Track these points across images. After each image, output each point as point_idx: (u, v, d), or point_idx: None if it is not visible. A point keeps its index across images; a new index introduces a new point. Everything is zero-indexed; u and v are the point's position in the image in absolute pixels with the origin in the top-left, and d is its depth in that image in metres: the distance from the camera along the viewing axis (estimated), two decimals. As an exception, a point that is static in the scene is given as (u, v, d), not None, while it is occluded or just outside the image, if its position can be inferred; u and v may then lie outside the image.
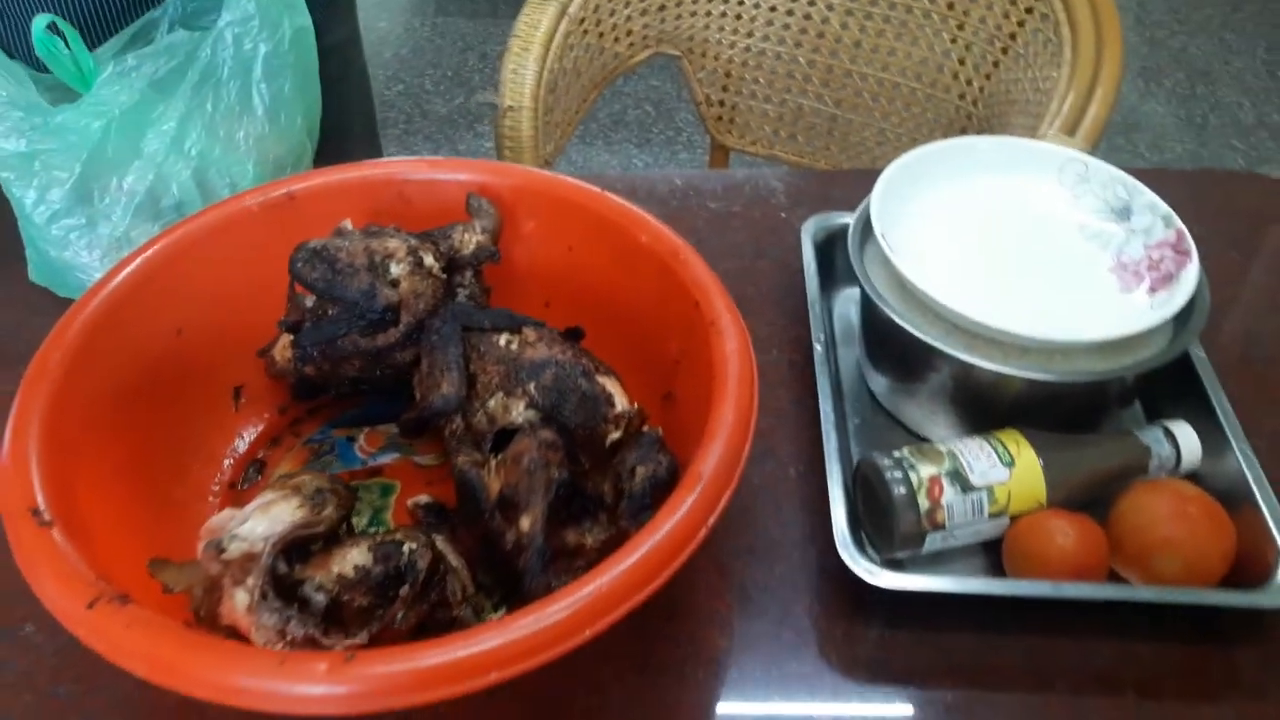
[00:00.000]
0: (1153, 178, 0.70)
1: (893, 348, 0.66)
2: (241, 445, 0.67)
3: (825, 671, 0.55)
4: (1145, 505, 0.57)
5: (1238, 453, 0.60)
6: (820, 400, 0.64)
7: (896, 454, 0.58)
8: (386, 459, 0.66)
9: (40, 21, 0.67)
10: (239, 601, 0.46)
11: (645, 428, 0.58)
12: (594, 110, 2.37)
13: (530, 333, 0.60)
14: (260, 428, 0.68)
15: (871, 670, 0.55)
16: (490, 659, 0.43)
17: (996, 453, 0.58)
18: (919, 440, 0.67)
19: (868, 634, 0.57)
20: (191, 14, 0.77)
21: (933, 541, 0.57)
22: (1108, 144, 2.26)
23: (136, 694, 0.54)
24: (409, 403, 0.65)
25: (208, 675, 0.43)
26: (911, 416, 0.68)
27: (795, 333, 0.74)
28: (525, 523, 0.51)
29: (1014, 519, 0.58)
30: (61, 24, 0.68)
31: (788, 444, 0.67)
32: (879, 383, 0.70)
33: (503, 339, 0.60)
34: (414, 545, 0.53)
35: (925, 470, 0.57)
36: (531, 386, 0.57)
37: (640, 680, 0.55)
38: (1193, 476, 0.61)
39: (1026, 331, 0.59)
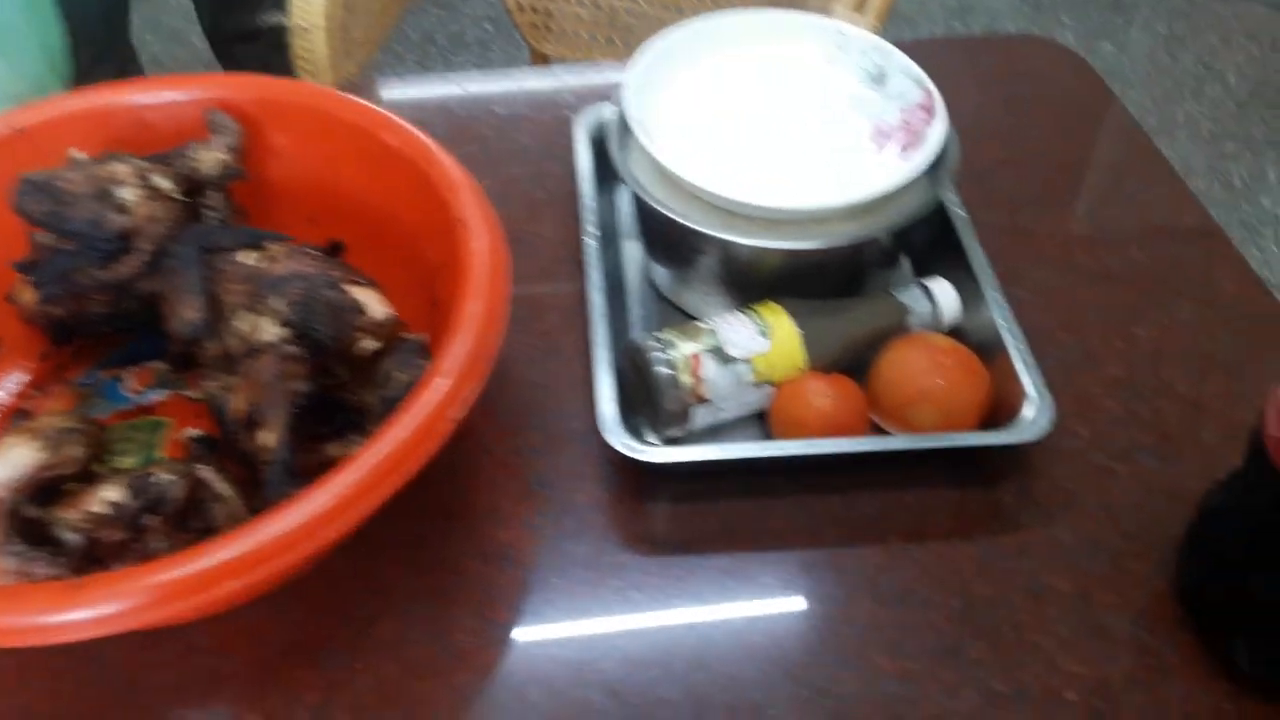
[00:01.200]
0: (927, 48, 0.71)
1: (662, 236, 0.66)
2: (4, 395, 0.64)
3: (606, 550, 0.56)
4: (901, 360, 0.59)
5: (989, 301, 0.62)
6: (589, 291, 0.63)
7: (659, 335, 0.59)
8: (156, 396, 0.64)
9: None
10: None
11: (407, 335, 0.57)
12: (431, 32, 2.29)
13: (275, 248, 0.58)
14: (28, 377, 0.65)
15: (651, 544, 0.56)
16: (226, 569, 0.42)
17: (756, 325, 0.59)
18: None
19: (648, 511, 0.58)
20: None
21: (701, 416, 0.58)
22: (944, 29, 2.29)
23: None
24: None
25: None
26: (690, 303, 0.68)
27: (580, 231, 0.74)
28: (267, 437, 0.49)
29: (777, 387, 0.59)
30: None
31: (573, 340, 0.67)
32: (659, 274, 0.70)
33: (246, 257, 0.57)
34: (168, 476, 0.51)
35: (686, 348, 0.57)
36: (278, 302, 0.55)
37: (420, 579, 0.55)
38: (957, 332, 0.63)
39: (778, 203, 0.59)
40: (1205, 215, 0.76)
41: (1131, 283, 0.71)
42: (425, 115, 0.85)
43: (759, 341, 0.58)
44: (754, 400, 0.59)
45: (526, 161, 0.81)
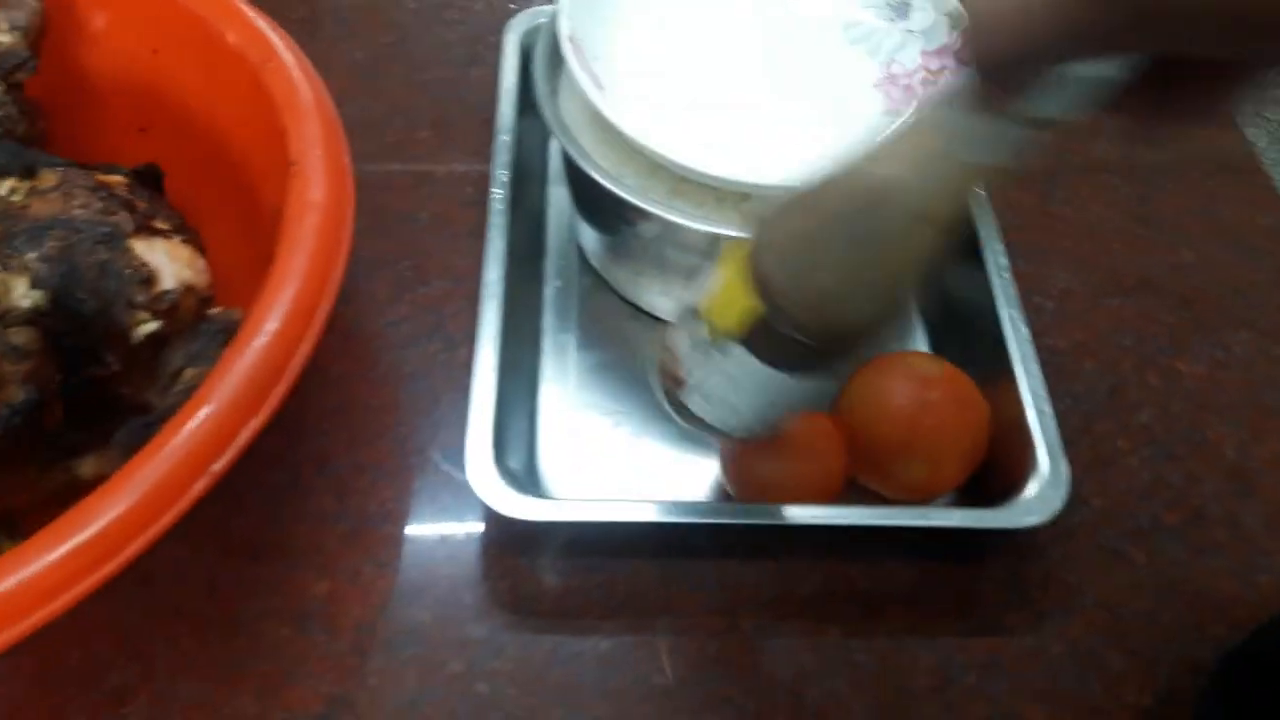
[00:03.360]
0: None
1: (590, 195, 0.51)
2: None
3: (454, 618, 0.43)
4: (881, 394, 0.45)
5: (1004, 319, 0.48)
6: (487, 263, 0.49)
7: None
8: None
9: None
10: None
11: (212, 312, 0.43)
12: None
13: (49, 176, 0.43)
14: None
15: (517, 613, 0.43)
16: None
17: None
18: (629, 309, 0.53)
19: (520, 567, 0.45)
20: None
21: (696, 405, 0.38)
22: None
23: None
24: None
25: None
26: (619, 278, 0.53)
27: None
28: (-43, 465, 0.36)
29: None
30: None
31: (466, 317, 0.52)
32: (587, 236, 0.55)
33: (4, 188, 0.42)
34: None
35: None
36: (32, 257, 0.40)
37: (196, 642, 0.42)
38: (959, 342, 0.49)
39: (742, 176, 0.44)
40: (1272, 191, 0.61)
41: (1181, 298, 0.56)
42: (332, -8, 0.68)
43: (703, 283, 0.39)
44: (733, 370, 0.37)
45: (448, 64, 0.65)
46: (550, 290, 0.54)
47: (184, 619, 0.42)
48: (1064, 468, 0.43)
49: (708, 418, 0.37)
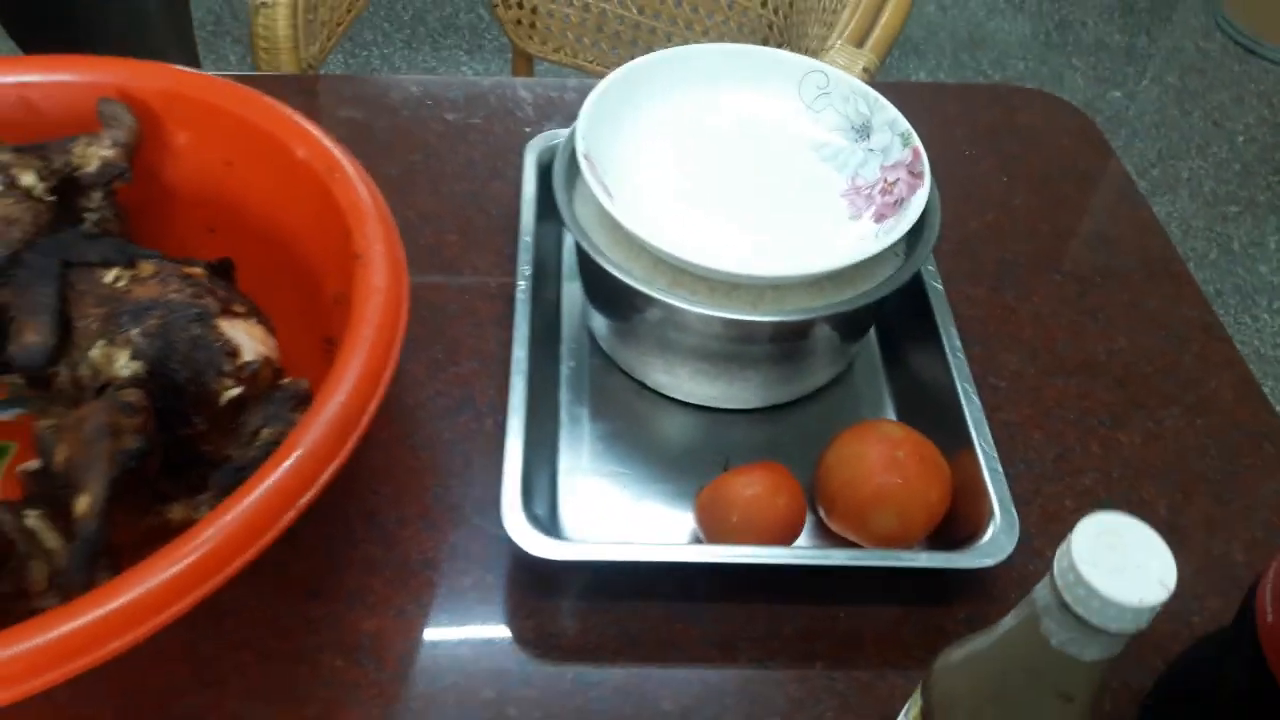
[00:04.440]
0: (919, 92, 0.64)
1: (602, 286, 0.59)
2: None
3: (486, 652, 0.49)
4: (855, 456, 0.52)
5: (960, 392, 0.55)
6: (514, 345, 0.56)
7: None
8: (5, 415, 0.56)
9: None
10: None
11: (283, 382, 0.50)
12: (423, 13, 2.21)
13: (147, 267, 0.50)
14: None
15: (540, 648, 0.49)
16: (-21, 683, 0.34)
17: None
18: (635, 385, 0.60)
19: (543, 609, 0.51)
20: None
21: None
22: (953, 61, 2.22)
23: None
24: (38, 349, 0.55)
25: None
26: (626, 360, 0.61)
27: (514, 270, 0.66)
28: (80, 504, 0.42)
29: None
30: None
31: (491, 392, 0.59)
32: (598, 322, 0.62)
33: (111, 275, 0.50)
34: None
35: None
36: (135, 333, 0.47)
37: (262, 670, 0.47)
38: (920, 417, 0.56)
39: (731, 267, 0.52)
40: (1206, 307, 0.69)
41: (1117, 379, 0.64)
42: (369, 115, 0.77)
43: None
44: None
45: (472, 179, 0.73)
46: (565, 370, 0.61)
47: (251, 649, 0.48)
48: (1015, 517, 0.50)
49: None
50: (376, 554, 0.52)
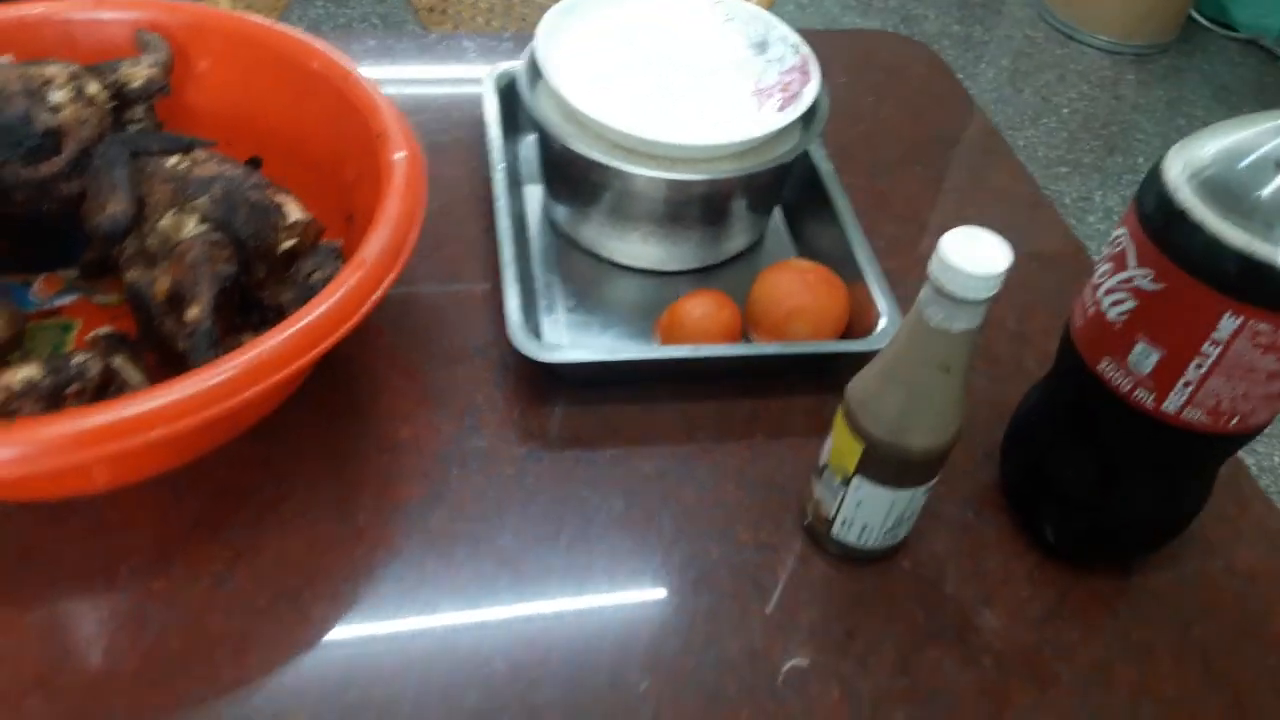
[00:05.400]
0: (812, 36, 0.80)
1: (563, 171, 0.72)
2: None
3: (502, 444, 0.61)
4: (774, 283, 0.67)
5: (851, 239, 0.70)
6: (498, 217, 0.69)
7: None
8: (65, 300, 0.66)
9: None
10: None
11: (324, 240, 0.62)
12: (322, 21, 2.30)
13: (200, 153, 0.61)
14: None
15: (545, 440, 0.62)
16: (154, 417, 0.45)
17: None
18: (594, 258, 0.74)
19: (541, 413, 0.64)
20: None
21: (840, 531, 0.57)
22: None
23: None
24: (87, 245, 0.65)
25: None
26: (586, 236, 0.74)
27: (485, 174, 0.79)
28: (192, 311, 0.53)
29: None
30: None
31: (475, 267, 0.72)
32: (559, 212, 0.76)
33: (171, 160, 0.61)
34: (83, 357, 0.54)
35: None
36: (202, 201, 0.58)
37: (323, 466, 0.59)
38: (822, 261, 0.71)
39: (675, 140, 0.66)
40: (1034, 185, 0.87)
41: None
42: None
43: (827, 440, 0.56)
44: (860, 497, 0.55)
45: (434, 110, 0.86)
46: (535, 248, 0.74)
47: (313, 454, 0.59)
48: (899, 314, 0.65)
49: (849, 539, 0.56)
50: (400, 383, 0.64)
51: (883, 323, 0.65)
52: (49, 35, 0.67)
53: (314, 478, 0.58)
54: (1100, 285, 0.52)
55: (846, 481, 0.54)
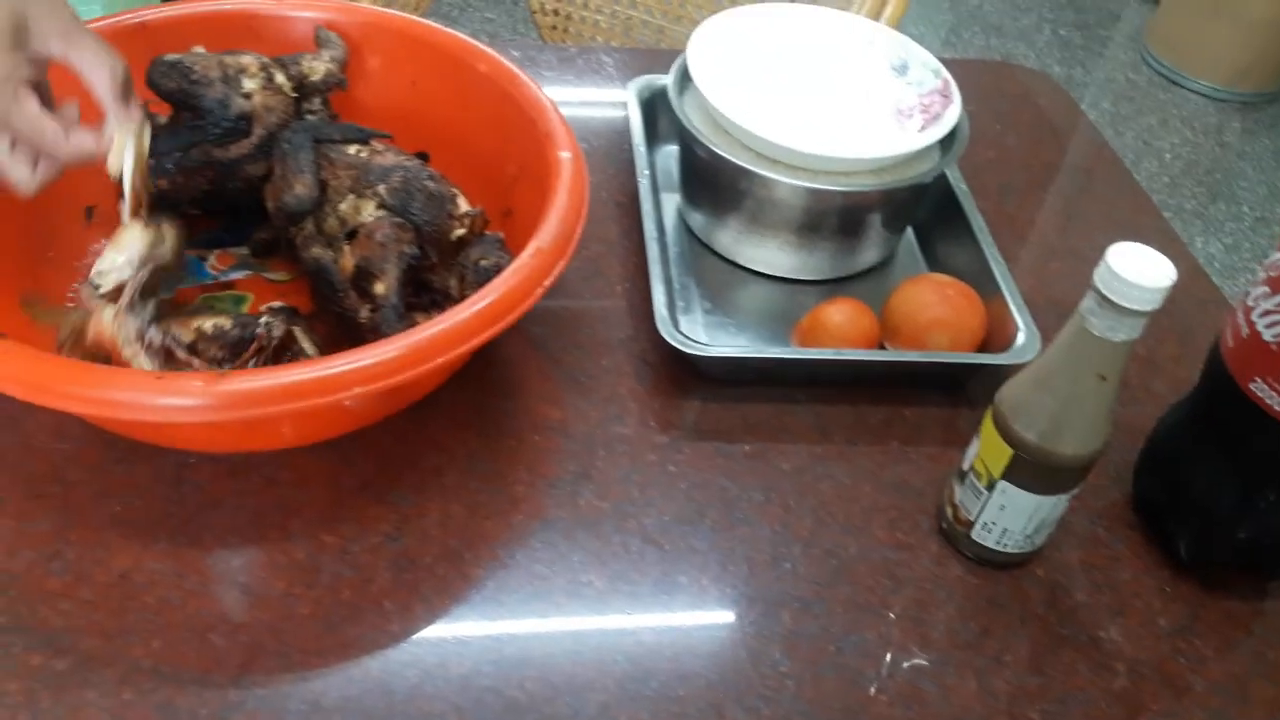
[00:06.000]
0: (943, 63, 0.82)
1: (707, 180, 0.75)
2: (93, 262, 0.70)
3: (645, 432, 0.64)
4: (913, 295, 0.68)
5: (988, 257, 0.72)
6: (644, 220, 0.72)
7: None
8: (237, 275, 0.70)
9: None
10: (106, 315, 0.51)
11: (488, 231, 0.65)
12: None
13: (378, 143, 0.66)
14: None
15: (685, 431, 0.65)
16: (351, 377, 0.49)
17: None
18: (728, 264, 0.77)
19: (680, 405, 0.66)
20: None
21: (982, 535, 0.58)
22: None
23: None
24: (259, 224, 0.69)
25: (88, 392, 0.47)
26: (722, 242, 0.77)
27: (621, 181, 0.82)
28: (380, 287, 0.57)
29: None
30: None
31: (616, 267, 0.75)
32: (696, 219, 0.79)
33: (353, 149, 0.65)
34: (271, 319, 0.58)
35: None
36: (381, 188, 0.62)
37: (481, 441, 0.62)
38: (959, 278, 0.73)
39: (818, 151, 0.69)
40: (1159, 216, 0.88)
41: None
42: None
43: (972, 445, 0.58)
44: (1004, 502, 0.55)
45: (574, 119, 0.89)
46: (672, 253, 0.77)
47: (469, 429, 0.62)
48: (1037, 331, 0.67)
49: (988, 543, 0.57)
50: (548, 369, 0.67)
51: (1021, 337, 0.66)
52: (236, 28, 0.72)
53: (472, 450, 0.61)
54: (1255, 308, 0.53)
55: (991, 486, 0.56)
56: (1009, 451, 0.54)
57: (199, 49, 0.68)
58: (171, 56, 0.64)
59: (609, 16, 1.42)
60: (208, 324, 0.56)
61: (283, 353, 0.59)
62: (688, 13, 1.39)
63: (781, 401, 0.67)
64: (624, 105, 0.84)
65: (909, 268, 0.79)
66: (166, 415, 0.47)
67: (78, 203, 0.69)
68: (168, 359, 0.54)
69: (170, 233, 0.60)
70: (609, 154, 0.85)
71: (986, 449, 0.56)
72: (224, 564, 0.55)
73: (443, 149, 0.73)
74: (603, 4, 1.42)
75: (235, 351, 0.57)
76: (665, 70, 0.79)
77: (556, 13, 1.43)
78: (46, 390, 0.46)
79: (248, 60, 0.66)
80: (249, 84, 0.65)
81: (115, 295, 0.53)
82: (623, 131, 0.85)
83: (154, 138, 0.65)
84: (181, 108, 0.64)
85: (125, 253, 0.55)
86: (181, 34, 0.70)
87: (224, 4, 0.72)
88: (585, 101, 0.92)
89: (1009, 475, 0.55)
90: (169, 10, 0.71)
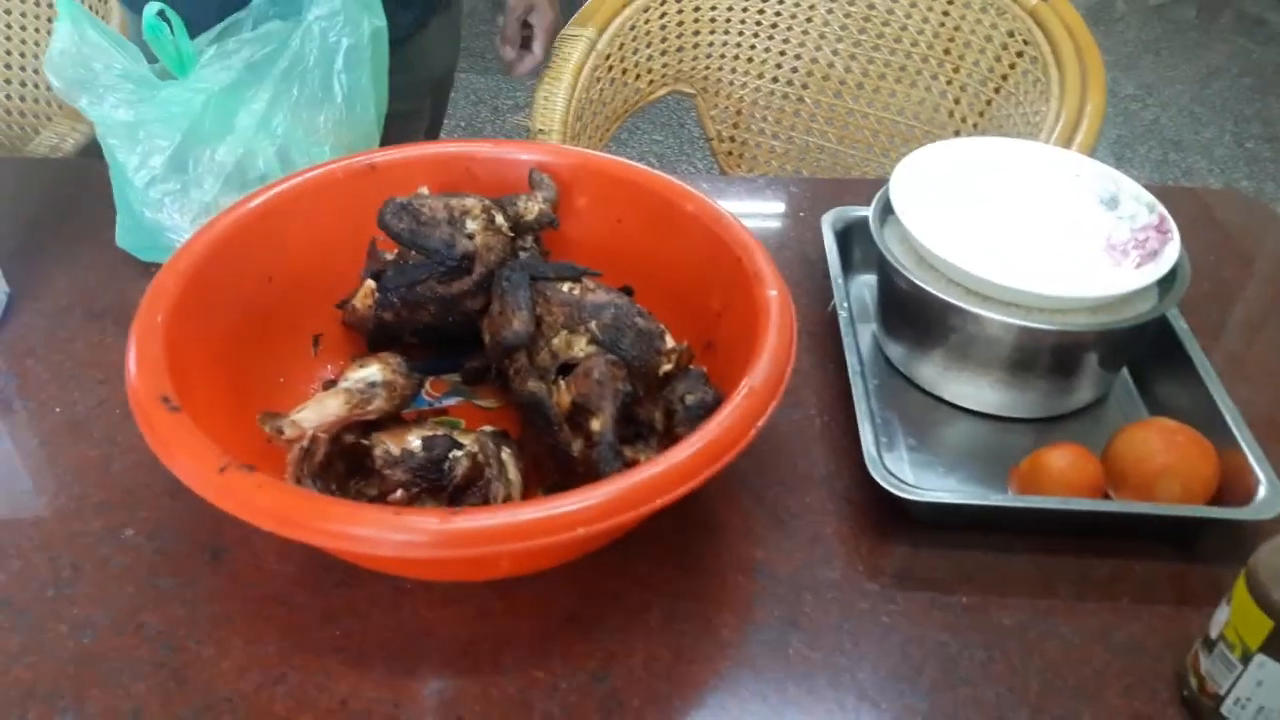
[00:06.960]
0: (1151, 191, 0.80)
1: (910, 313, 0.74)
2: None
3: (853, 577, 0.62)
4: (1139, 440, 0.65)
5: (1217, 400, 0.68)
6: (846, 354, 0.71)
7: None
8: (450, 402, 0.73)
9: (151, 8, 0.76)
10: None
11: (692, 365, 0.66)
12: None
13: (590, 281, 0.68)
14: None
15: (896, 578, 0.62)
16: (576, 517, 0.49)
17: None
18: (931, 398, 0.75)
19: (890, 550, 0.64)
20: (273, 17, 0.86)
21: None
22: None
23: (228, 585, 0.60)
24: (471, 353, 0.72)
25: (331, 526, 0.49)
26: (923, 375, 0.75)
27: (816, 311, 0.82)
28: (596, 424, 0.58)
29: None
30: (169, 12, 0.77)
31: (814, 398, 0.74)
32: (895, 350, 0.77)
33: (566, 287, 0.67)
34: (462, 453, 0.60)
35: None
36: (593, 324, 0.64)
37: (685, 580, 0.61)
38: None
39: (1030, 289, 0.67)
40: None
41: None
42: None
43: (1222, 611, 0.54)
44: (1262, 676, 0.51)
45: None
46: (871, 386, 0.76)
47: (672, 565, 0.62)
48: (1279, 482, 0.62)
49: None
50: (750, 505, 0.66)
51: (1263, 490, 0.62)
52: (455, 169, 0.77)
53: (676, 589, 0.61)
54: None
55: (1246, 659, 0.51)
56: (1269, 623, 0.49)
57: (423, 189, 0.72)
58: (402, 199, 0.69)
59: (785, 142, 1.45)
60: (410, 441, 0.59)
61: (469, 487, 0.61)
62: (864, 138, 1.40)
63: (998, 550, 0.64)
64: (813, 236, 0.85)
65: (1125, 407, 0.75)
66: (401, 551, 0.49)
67: (306, 332, 0.73)
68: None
69: (380, 400, 0.62)
70: (799, 283, 0.85)
71: (1240, 617, 0.51)
72: (440, 695, 0.55)
73: (645, 283, 0.74)
74: (778, 129, 1.44)
75: (421, 474, 0.59)
76: (852, 200, 0.79)
77: (733, 139, 1.46)
78: (297, 525, 0.49)
79: (471, 202, 0.69)
80: (472, 225, 0.69)
81: (297, 439, 0.57)
82: (813, 261, 0.85)
83: (382, 274, 0.69)
84: (408, 247, 0.68)
85: (316, 414, 0.59)
86: (407, 174, 0.75)
87: (445, 148, 0.77)
88: (775, 233, 0.93)
89: (1268, 649, 0.50)
90: (395, 153, 0.76)
